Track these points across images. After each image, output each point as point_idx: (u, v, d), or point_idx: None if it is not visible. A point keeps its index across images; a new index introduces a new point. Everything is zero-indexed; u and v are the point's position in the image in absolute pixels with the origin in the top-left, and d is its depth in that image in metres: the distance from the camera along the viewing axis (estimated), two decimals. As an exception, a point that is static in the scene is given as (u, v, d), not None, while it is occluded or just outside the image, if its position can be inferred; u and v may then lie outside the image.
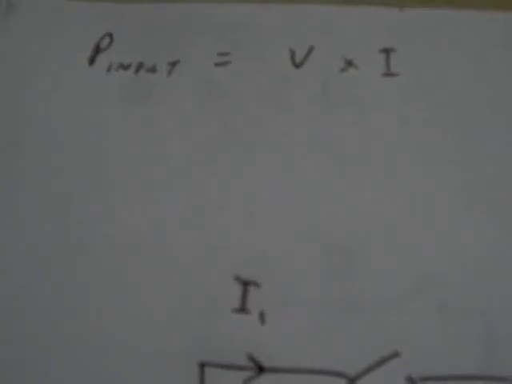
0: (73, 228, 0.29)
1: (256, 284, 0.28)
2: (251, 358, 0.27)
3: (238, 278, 0.28)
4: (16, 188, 0.30)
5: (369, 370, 0.26)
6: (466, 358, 0.26)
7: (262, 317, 0.27)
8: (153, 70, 0.32)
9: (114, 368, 0.27)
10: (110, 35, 0.33)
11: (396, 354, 0.26)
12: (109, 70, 0.32)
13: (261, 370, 0.26)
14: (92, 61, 0.32)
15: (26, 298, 0.28)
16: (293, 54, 0.32)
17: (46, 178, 0.30)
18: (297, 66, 0.32)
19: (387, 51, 0.32)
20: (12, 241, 0.29)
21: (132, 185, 0.30)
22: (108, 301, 0.28)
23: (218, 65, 0.32)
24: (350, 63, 0.32)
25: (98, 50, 0.33)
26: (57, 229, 0.29)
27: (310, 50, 0.32)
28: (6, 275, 0.28)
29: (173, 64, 0.32)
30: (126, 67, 0.32)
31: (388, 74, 0.32)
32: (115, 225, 0.29)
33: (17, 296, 0.28)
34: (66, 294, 0.28)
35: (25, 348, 0.27)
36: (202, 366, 0.27)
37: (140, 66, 0.32)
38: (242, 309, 0.27)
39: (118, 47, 0.32)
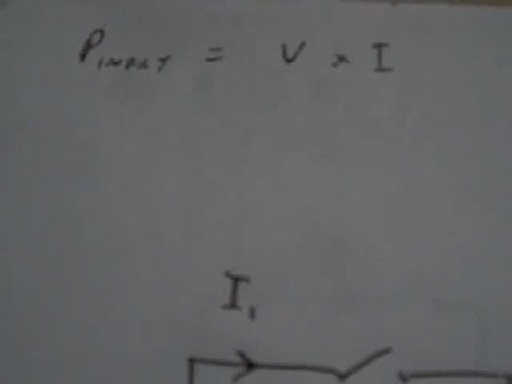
0: (67, 224, 0.29)
1: (246, 280, 0.28)
2: (241, 354, 0.26)
3: (228, 274, 0.28)
4: (9, 186, 0.30)
5: (360, 366, 0.26)
6: (458, 354, 0.26)
7: (252, 313, 0.27)
8: (144, 65, 0.32)
9: (103, 364, 0.27)
10: (101, 31, 0.33)
11: (387, 350, 0.26)
12: (100, 65, 0.32)
13: (251, 366, 0.26)
14: (83, 57, 0.32)
15: (23, 296, 0.28)
16: (285, 49, 0.32)
17: (37, 174, 0.30)
18: (289, 60, 0.32)
19: (379, 46, 0.32)
20: (9, 238, 0.29)
21: (123, 180, 0.30)
22: (98, 298, 0.28)
23: (209, 60, 0.32)
24: (342, 58, 0.32)
25: (88, 45, 0.32)
26: (52, 225, 0.29)
27: (302, 45, 0.32)
28: (4, 272, 0.28)
29: (164, 59, 0.32)
30: (116, 63, 0.32)
31: (380, 69, 0.31)
32: (103, 222, 0.29)
33: (14, 294, 0.28)
34: (56, 289, 0.28)
35: (23, 346, 0.27)
36: (192, 361, 0.26)
37: (131, 62, 0.32)
38: (232, 305, 0.27)
39: (108, 43, 0.32)
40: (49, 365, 0.27)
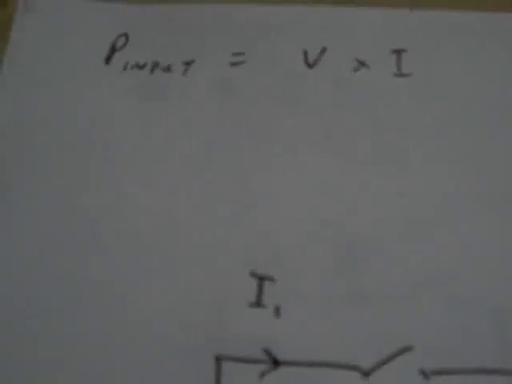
0: (88, 222, 0.29)
1: (271, 279, 0.28)
2: (267, 352, 0.27)
3: (253, 274, 0.28)
4: (33, 183, 0.30)
5: (382, 363, 0.27)
6: (478, 351, 0.27)
7: (277, 311, 0.28)
8: (168, 69, 0.32)
9: (131, 362, 0.27)
10: (126, 35, 0.33)
11: (409, 348, 0.27)
12: (125, 69, 0.33)
13: (276, 363, 0.27)
14: (108, 60, 0.33)
15: (39, 297, 0.28)
16: (306, 55, 0.33)
17: (62, 174, 0.30)
18: (310, 66, 0.32)
19: (398, 52, 0.33)
20: (24, 238, 0.29)
21: (147, 182, 0.30)
22: (123, 296, 0.28)
23: (232, 64, 0.33)
24: (362, 63, 0.32)
25: (113, 49, 0.33)
26: (72, 222, 0.29)
27: (323, 50, 0.33)
28: (20, 263, 0.29)
29: (188, 63, 0.33)
30: (141, 66, 0.33)
31: (399, 74, 0.32)
32: (131, 222, 0.29)
33: (28, 294, 0.28)
34: (79, 286, 0.28)
35: (37, 341, 0.27)
36: (219, 359, 0.27)
37: (155, 66, 0.33)
38: (258, 303, 0.28)
39: (133, 47, 0.33)
40: (73, 363, 0.27)
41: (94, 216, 0.29)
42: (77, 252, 0.29)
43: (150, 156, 0.31)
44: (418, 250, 0.29)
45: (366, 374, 0.27)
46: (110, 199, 0.30)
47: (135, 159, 0.31)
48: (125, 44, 0.33)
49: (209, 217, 0.29)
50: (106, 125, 0.31)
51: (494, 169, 0.30)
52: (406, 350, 0.27)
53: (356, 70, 0.32)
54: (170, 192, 0.30)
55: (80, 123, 0.31)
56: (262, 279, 0.28)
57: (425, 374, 0.27)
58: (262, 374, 0.27)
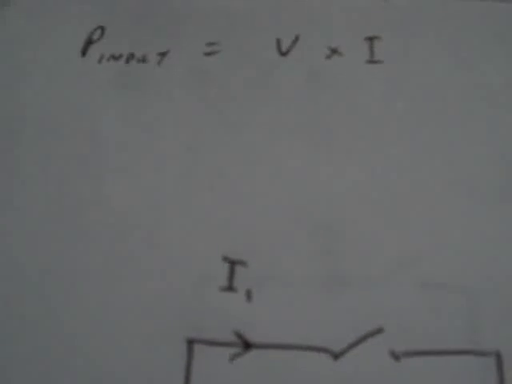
0: (69, 212, 0.30)
1: (243, 263, 0.28)
2: (238, 335, 0.27)
3: (225, 258, 0.29)
4: (13, 176, 0.30)
5: (353, 345, 0.27)
6: (449, 333, 0.27)
7: (248, 295, 0.28)
8: (143, 60, 0.33)
9: (102, 345, 0.27)
10: (102, 28, 0.34)
11: (379, 330, 0.27)
12: (100, 60, 0.33)
13: (247, 346, 0.27)
14: (84, 52, 0.33)
15: (24, 283, 0.28)
16: (279, 43, 0.33)
17: (41, 165, 0.31)
18: (283, 54, 0.33)
19: (371, 39, 0.33)
20: (11, 225, 0.29)
21: (125, 169, 0.30)
22: (97, 283, 0.28)
23: (207, 54, 0.33)
24: (334, 51, 0.33)
25: (89, 41, 0.34)
26: (53, 214, 0.30)
27: (296, 38, 0.33)
28: (5, 260, 0.29)
29: (163, 54, 0.33)
30: (117, 58, 0.33)
31: (372, 61, 0.32)
32: (108, 206, 0.30)
33: (14, 281, 0.28)
34: (56, 275, 0.28)
35: (24, 330, 0.27)
36: (191, 342, 0.27)
37: (131, 57, 0.33)
38: (230, 287, 0.28)
39: (109, 39, 0.33)
40: (48, 349, 0.27)
41: (78, 205, 0.30)
42: (58, 239, 0.29)
43: (129, 145, 0.31)
44: (390, 234, 0.29)
45: (337, 356, 0.27)
46: (92, 187, 0.30)
47: (113, 149, 0.31)
48: (101, 36, 0.34)
49: (183, 202, 0.30)
50: (83, 116, 0.32)
51: (466, 155, 0.30)
52: (377, 332, 0.27)
53: (329, 57, 0.33)
54: (147, 179, 0.30)
55: (58, 115, 0.32)
56: (233, 263, 0.28)
57: (395, 356, 0.27)
58: (234, 356, 0.27)
